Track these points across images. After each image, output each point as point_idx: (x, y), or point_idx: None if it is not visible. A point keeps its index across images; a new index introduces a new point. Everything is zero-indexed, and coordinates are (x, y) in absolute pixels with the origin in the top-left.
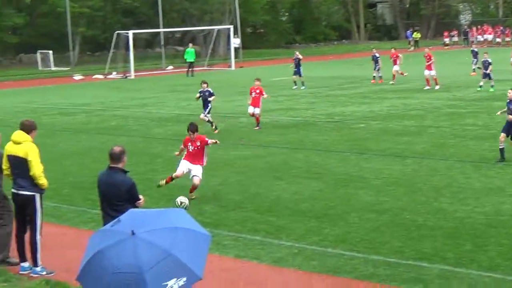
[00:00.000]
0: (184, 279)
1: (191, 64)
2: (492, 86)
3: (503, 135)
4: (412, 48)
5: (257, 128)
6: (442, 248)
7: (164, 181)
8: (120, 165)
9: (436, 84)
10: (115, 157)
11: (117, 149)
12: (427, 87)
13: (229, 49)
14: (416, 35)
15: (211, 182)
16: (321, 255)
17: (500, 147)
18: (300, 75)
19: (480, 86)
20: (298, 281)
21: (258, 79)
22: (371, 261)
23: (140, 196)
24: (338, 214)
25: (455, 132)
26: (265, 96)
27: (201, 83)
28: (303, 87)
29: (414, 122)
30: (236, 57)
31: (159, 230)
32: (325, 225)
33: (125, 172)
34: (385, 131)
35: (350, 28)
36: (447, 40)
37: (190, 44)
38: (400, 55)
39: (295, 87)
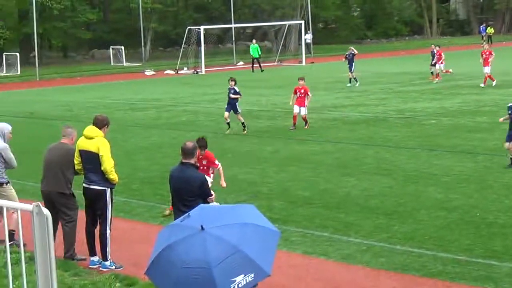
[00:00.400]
0: (252, 275)
1: (256, 60)
2: None
3: (507, 144)
4: (485, 43)
5: (306, 127)
6: None
7: (168, 211)
8: (192, 161)
9: (492, 80)
10: (188, 152)
11: (190, 144)
12: (493, 83)
13: (300, 44)
14: (490, 30)
15: (280, 178)
16: (390, 252)
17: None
18: (351, 71)
19: None
20: (366, 278)
21: (302, 78)
22: (439, 258)
23: (212, 192)
24: (408, 211)
25: None
26: (310, 96)
27: (229, 80)
28: (357, 84)
29: (486, 118)
30: (308, 52)
31: (228, 225)
32: (394, 222)
33: (197, 167)
34: (456, 127)
35: (422, 23)
36: None
37: (254, 40)
38: (442, 54)
39: (349, 84)
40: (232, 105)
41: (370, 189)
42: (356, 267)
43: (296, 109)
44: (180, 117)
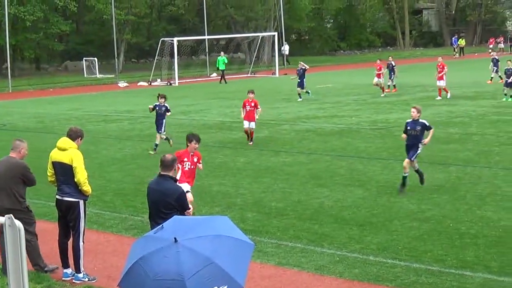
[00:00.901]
0: (225, 287)
1: (221, 72)
2: (511, 96)
3: (406, 160)
4: (457, 55)
5: (250, 143)
6: (485, 256)
7: None
8: (171, 173)
9: (447, 92)
10: (167, 164)
11: (169, 156)
12: (439, 98)
13: (273, 56)
14: (461, 41)
15: (254, 189)
16: (363, 263)
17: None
18: (302, 87)
19: (505, 95)
20: None
21: (252, 91)
22: (413, 269)
23: (190, 206)
24: (381, 222)
25: (500, 140)
26: (259, 110)
27: (158, 97)
28: (308, 95)
29: (458, 129)
30: (284, 63)
31: (202, 237)
32: (367, 233)
33: (175, 180)
34: None
35: (395, 35)
36: (491, 46)
37: (222, 53)
38: (384, 68)
39: (300, 99)
40: (160, 123)
41: (343, 200)
42: (329, 278)
43: (246, 124)
44: (153, 129)
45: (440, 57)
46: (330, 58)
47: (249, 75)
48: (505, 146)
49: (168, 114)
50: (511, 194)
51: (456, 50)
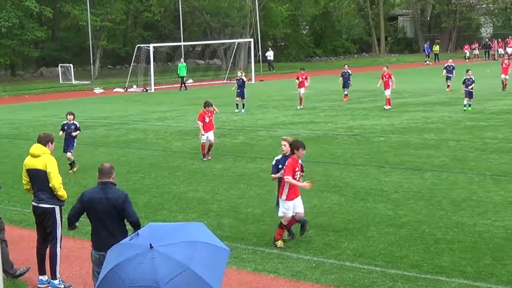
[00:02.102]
0: None
1: (181, 78)
2: (469, 105)
3: None
4: (430, 61)
5: (209, 158)
6: (461, 262)
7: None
8: (111, 179)
9: (388, 104)
10: (106, 172)
11: (107, 164)
12: (388, 107)
13: (249, 62)
14: (436, 48)
15: (230, 196)
16: (339, 269)
17: None
18: (243, 97)
19: (465, 105)
20: None
21: (209, 104)
22: (389, 275)
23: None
24: (357, 228)
25: (475, 145)
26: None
27: (66, 115)
28: (242, 110)
29: (434, 135)
30: (268, 69)
31: (178, 244)
32: (344, 239)
33: (115, 185)
34: (404, 144)
35: (371, 41)
36: (467, 53)
37: (182, 59)
38: (307, 78)
39: (236, 110)
40: (69, 143)
41: (320, 206)
42: (306, 284)
43: (208, 137)
44: (129, 135)
45: (385, 67)
46: (306, 65)
47: (225, 81)
48: (480, 152)
49: (77, 133)
50: (486, 199)
51: (429, 56)
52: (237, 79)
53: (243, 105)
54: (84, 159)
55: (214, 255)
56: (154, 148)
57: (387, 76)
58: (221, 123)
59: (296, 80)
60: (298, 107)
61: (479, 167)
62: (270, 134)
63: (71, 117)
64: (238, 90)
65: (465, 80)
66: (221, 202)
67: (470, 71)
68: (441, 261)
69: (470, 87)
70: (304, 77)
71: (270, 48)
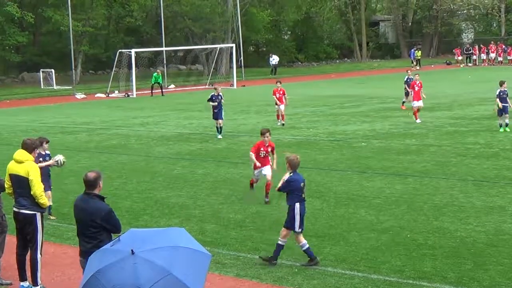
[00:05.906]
0: None
1: (152, 86)
2: (507, 125)
3: None
4: (417, 67)
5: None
6: (443, 267)
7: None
8: (96, 191)
9: (282, 119)
10: (90, 183)
11: (91, 175)
12: (282, 122)
13: (231, 67)
14: (418, 53)
15: (212, 201)
16: (321, 274)
17: None
18: (221, 118)
19: (500, 125)
20: None
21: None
22: (371, 280)
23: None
24: (339, 233)
25: (457, 151)
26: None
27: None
28: (220, 136)
29: (415, 140)
30: (271, 73)
31: (159, 249)
32: (326, 244)
33: (101, 198)
34: (386, 149)
35: (352, 47)
36: (459, 58)
37: (158, 70)
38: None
39: (220, 136)
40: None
41: None
42: None
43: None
44: (111, 140)
45: (279, 83)
46: (287, 70)
47: (207, 86)
48: (461, 157)
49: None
50: (468, 205)
51: (415, 62)
52: (213, 96)
53: (221, 128)
54: (66, 164)
55: (195, 260)
56: (136, 153)
57: (280, 91)
58: (203, 128)
59: (274, 96)
60: (278, 123)
61: (460, 172)
62: (251, 140)
63: (47, 145)
64: (215, 111)
65: (499, 93)
66: (203, 207)
67: (505, 82)
68: (423, 266)
69: (508, 103)
70: (281, 92)
71: (272, 54)
